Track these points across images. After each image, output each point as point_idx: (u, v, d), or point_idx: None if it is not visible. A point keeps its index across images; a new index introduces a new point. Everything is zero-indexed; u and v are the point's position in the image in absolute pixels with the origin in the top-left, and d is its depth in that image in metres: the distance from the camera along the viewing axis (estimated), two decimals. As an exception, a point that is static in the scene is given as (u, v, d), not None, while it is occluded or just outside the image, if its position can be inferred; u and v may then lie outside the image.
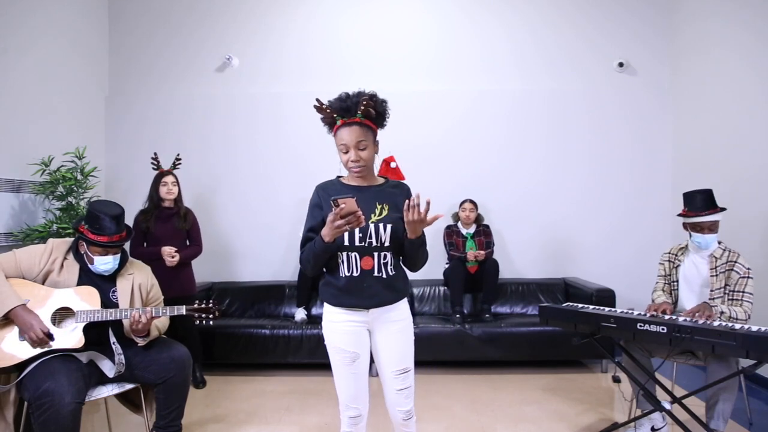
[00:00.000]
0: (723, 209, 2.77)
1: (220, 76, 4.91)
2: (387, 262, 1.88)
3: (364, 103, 1.83)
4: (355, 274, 1.86)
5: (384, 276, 1.88)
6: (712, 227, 2.76)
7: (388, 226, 1.86)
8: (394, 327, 1.93)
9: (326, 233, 1.74)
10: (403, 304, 1.97)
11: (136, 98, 4.91)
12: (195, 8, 4.92)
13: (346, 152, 1.86)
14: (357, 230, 1.81)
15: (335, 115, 1.86)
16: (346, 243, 1.83)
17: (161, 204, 3.71)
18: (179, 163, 3.89)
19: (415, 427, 2.01)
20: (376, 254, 1.86)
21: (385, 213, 1.88)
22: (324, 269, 1.94)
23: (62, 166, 3.93)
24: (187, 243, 3.80)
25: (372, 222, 1.85)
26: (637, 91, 4.78)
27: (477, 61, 4.83)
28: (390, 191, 1.95)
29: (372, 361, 1.98)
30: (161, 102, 4.90)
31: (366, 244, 1.85)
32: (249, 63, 4.88)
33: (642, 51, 4.78)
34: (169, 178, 3.70)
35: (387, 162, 4.09)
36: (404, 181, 2.08)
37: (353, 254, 1.85)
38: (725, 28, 4.04)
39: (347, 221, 1.68)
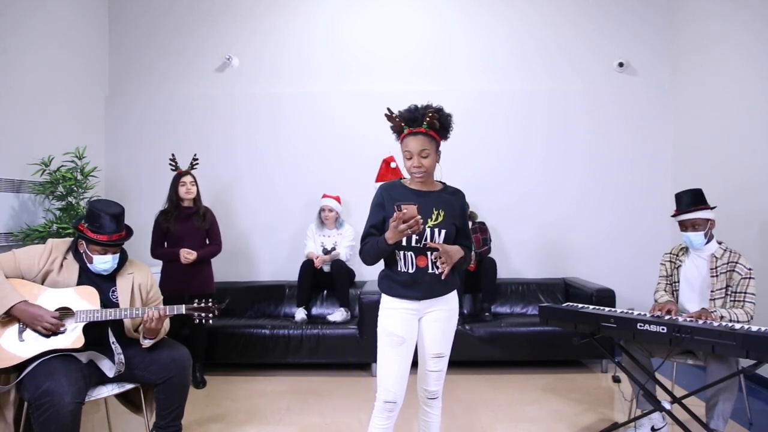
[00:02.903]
0: (708, 207, 2.78)
1: (220, 76, 4.91)
2: (436, 261, 2.04)
3: (430, 115, 1.98)
4: (411, 270, 2.05)
5: (436, 272, 2.05)
6: (695, 225, 2.76)
7: (443, 231, 2.04)
8: (441, 315, 2.11)
9: (390, 237, 1.94)
10: (452, 296, 2.15)
11: (136, 98, 4.91)
12: (195, 8, 4.92)
13: (410, 158, 2.03)
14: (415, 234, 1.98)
15: (403, 124, 2.02)
16: (404, 243, 2.02)
17: (181, 204, 3.76)
18: (196, 163, 3.93)
19: (439, 410, 2.19)
20: (428, 254, 2.04)
21: (441, 219, 2.05)
22: (384, 262, 2.14)
23: (62, 166, 3.93)
24: (207, 242, 3.85)
25: (429, 226, 2.03)
26: (637, 91, 4.78)
27: (477, 61, 4.83)
28: (447, 198, 2.12)
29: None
30: (161, 102, 4.90)
31: (421, 245, 2.03)
32: (249, 63, 4.88)
33: (642, 51, 4.78)
34: (187, 178, 3.75)
35: (387, 162, 4.10)
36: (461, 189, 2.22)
37: (409, 253, 2.05)
38: (725, 28, 4.04)
39: (408, 226, 1.86)
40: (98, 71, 4.85)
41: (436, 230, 2.03)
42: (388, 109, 2.07)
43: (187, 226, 3.74)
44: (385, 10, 4.86)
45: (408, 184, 2.14)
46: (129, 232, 2.46)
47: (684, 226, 2.80)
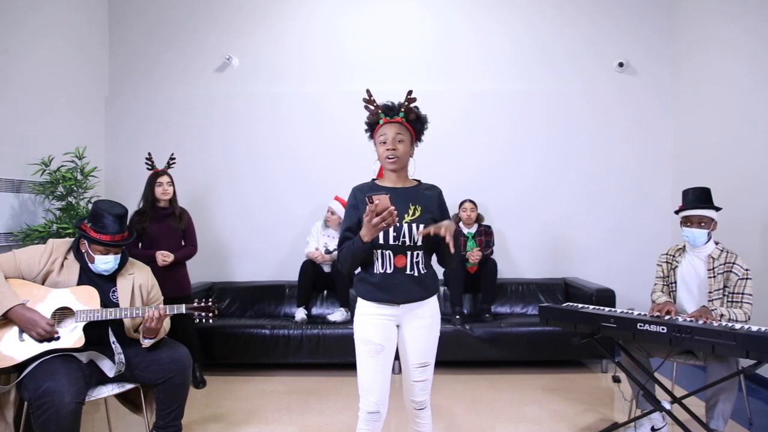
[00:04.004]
0: (716, 208, 2.77)
1: (220, 77, 4.91)
2: (418, 261, 1.97)
3: (407, 104, 2.00)
4: (388, 271, 1.95)
5: (416, 274, 1.97)
6: (702, 222, 2.74)
7: (421, 227, 1.93)
8: (422, 322, 2.01)
9: (365, 233, 1.82)
10: (433, 301, 2.05)
11: (136, 98, 4.91)
12: (195, 8, 4.92)
13: (384, 143, 1.98)
14: (391, 230, 1.90)
15: (380, 112, 2.00)
16: (381, 241, 1.92)
17: (157, 204, 3.69)
18: (173, 163, 3.88)
19: (429, 418, 2.09)
20: (408, 253, 1.95)
21: (418, 214, 1.97)
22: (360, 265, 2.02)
23: (62, 166, 3.93)
24: (182, 243, 3.79)
25: (406, 222, 1.94)
26: (637, 91, 4.78)
27: (476, 61, 4.83)
28: (423, 193, 2.04)
29: (395, 358, 2.03)
30: (161, 102, 4.90)
31: (400, 243, 1.94)
32: (249, 63, 4.88)
33: (642, 51, 4.78)
34: (164, 179, 3.68)
35: (387, 162, 4.08)
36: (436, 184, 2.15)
37: (387, 252, 1.94)
38: (725, 28, 4.05)
39: (382, 218, 1.75)
40: (98, 71, 4.85)
41: (414, 226, 1.93)
42: (367, 92, 2.02)
43: (163, 226, 3.66)
44: (384, 10, 4.86)
45: (381, 182, 2.06)
46: (131, 232, 2.46)
47: (690, 221, 2.77)
